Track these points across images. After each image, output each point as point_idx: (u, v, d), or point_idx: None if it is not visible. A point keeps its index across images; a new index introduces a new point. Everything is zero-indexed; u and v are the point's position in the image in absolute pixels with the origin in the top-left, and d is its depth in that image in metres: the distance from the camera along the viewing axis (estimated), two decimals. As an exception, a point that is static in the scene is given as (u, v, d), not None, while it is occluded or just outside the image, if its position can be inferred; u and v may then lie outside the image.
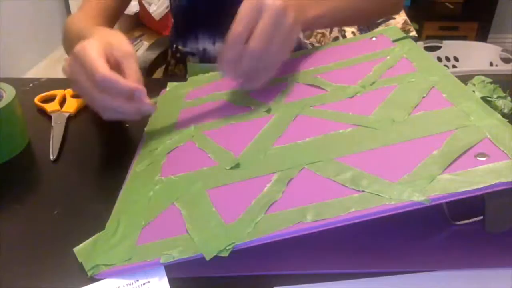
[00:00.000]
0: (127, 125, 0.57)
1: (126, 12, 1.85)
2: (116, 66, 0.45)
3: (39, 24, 1.59)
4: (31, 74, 1.42)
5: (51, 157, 0.51)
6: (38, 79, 0.71)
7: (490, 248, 0.35)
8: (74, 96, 0.64)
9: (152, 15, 1.80)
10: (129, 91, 0.44)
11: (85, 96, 0.47)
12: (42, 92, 0.64)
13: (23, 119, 0.54)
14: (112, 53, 0.45)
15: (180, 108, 0.56)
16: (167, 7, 1.81)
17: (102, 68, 0.43)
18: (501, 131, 0.36)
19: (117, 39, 0.47)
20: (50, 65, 1.49)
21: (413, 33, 0.94)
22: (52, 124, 0.57)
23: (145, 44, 1.65)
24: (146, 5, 1.81)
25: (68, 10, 1.71)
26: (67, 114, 0.59)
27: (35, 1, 1.56)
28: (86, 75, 0.44)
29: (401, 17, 1.02)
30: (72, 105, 0.61)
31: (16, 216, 0.42)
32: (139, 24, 2.03)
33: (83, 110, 0.62)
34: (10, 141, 0.51)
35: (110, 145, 0.56)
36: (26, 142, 0.54)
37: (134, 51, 0.47)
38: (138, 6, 1.85)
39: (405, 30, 0.97)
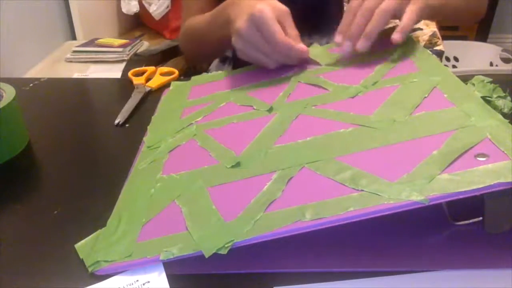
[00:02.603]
0: (127, 125, 0.57)
1: (126, 12, 1.86)
2: (279, 23, 0.55)
3: (39, 24, 1.59)
4: (31, 74, 1.42)
5: (120, 122, 0.57)
6: (38, 79, 0.71)
7: (490, 249, 0.35)
8: (163, 74, 0.71)
9: (152, 15, 1.80)
10: (299, 55, 0.56)
11: (257, 52, 0.57)
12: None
13: (23, 119, 0.54)
14: (276, 15, 0.55)
15: (183, 107, 0.56)
16: (167, 7, 1.81)
17: (283, 37, 0.54)
18: (501, 131, 0.36)
19: (272, 1, 0.56)
20: (50, 65, 1.49)
21: (440, 47, 0.91)
22: (132, 94, 0.64)
23: (145, 44, 1.65)
24: (146, 5, 1.81)
25: (68, 10, 1.71)
26: (148, 89, 0.67)
27: (35, 1, 1.56)
28: (265, 39, 0.54)
29: (429, 29, 0.98)
30: (156, 81, 0.69)
31: (16, 216, 0.42)
32: (139, 24, 2.03)
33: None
34: (10, 141, 0.51)
35: (110, 145, 0.56)
36: (26, 142, 0.54)
37: (288, 9, 0.57)
38: (138, 6, 1.85)
39: (431, 42, 0.94)
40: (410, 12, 0.53)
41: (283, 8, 0.57)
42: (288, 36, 0.56)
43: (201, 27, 0.75)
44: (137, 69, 0.73)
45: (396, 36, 0.53)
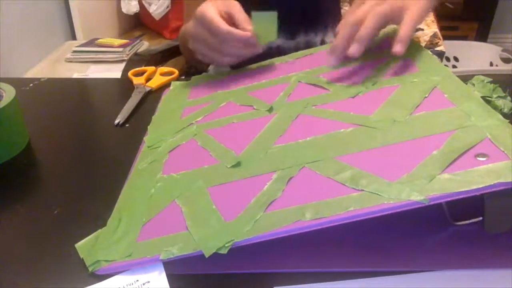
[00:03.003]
0: (127, 125, 0.57)
1: (126, 12, 1.86)
2: (227, 18, 0.57)
3: (39, 24, 1.59)
4: (31, 74, 1.42)
5: (120, 122, 0.57)
6: (38, 79, 0.71)
7: (490, 249, 0.35)
8: (163, 74, 0.71)
9: (152, 15, 1.80)
10: (245, 39, 0.56)
11: (209, 50, 0.58)
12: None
13: (23, 119, 0.54)
14: (221, 9, 0.57)
15: (183, 106, 0.56)
16: (167, 7, 1.80)
17: (223, 24, 0.55)
18: (501, 131, 0.36)
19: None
20: (50, 65, 1.50)
21: (441, 48, 0.90)
22: (132, 94, 0.64)
23: (145, 44, 1.65)
24: (146, 5, 1.81)
25: (68, 10, 1.71)
26: (148, 89, 0.67)
27: (35, 1, 1.56)
28: (210, 32, 0.56)
29: (430, 29, 0.97)
30: (156, 81, 0.69)
31: (16, 216, 0.42)
32: (139, 24, 2.03)
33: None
34: (10, 141, 0.51)
35: (110, 145, 0.56)
36: (26, 142, 0.54)
37: (237, 3, 0.58)
38: (138, 6, 1.85)
39: (432, 43, 0.93)
40: (409, 20, 0.50)
41: (231, 2, 0.58)
42: (237, 19, 0.57)
43: (183, 36, 0.79)
44: (137, 69, 0.73)
45: (396, 49, 0.49)
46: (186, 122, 0.52)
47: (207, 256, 0.33)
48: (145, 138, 0.51)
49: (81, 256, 0.36)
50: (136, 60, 0.91)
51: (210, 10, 0.56)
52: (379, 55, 0.55)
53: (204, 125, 0.50)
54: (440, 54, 0.91)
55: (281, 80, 0.56)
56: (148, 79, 0.69)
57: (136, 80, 0.69)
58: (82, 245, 0.37)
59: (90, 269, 0.35)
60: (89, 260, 0.35)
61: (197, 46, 0.60)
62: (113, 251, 0.35)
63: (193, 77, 0.65)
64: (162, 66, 0.77)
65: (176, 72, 0.71)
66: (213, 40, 0.57)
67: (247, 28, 0.56)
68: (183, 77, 0.71)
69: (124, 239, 0.36)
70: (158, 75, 0.71)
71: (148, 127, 0.54)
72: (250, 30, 0.56)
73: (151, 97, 0.65)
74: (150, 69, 0.73)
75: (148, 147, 0.49)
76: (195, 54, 0.62)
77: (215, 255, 0.33)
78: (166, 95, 0.63)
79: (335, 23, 0.84)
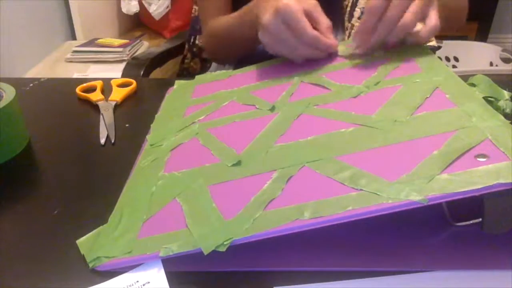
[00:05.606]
0: (127, 125, 0.57)
1: (126, 12, 1.85)
2: (307, 16, 0.54)
3: (39, 24, 1.59)
4: (31, 74, 1.42)
5: (111, 140, 0.54)
6: (38, 79, 0.71)
7: (490, 249, 0.35)
8: (119, 86, 0.67)
9: (152, 15, 1.80)
10: (327, 48, 0.56)
11: (282, 45, 0.56)
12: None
13: (23, 119, 0.54)
14: (303, 7, 0.54)
15: (186, 105, 0.56)
16: (167, 7, 1.80)
17: (310, 29, 0.54)
18: (502, 132, 0.36)
19: None
20: (50, 65, 1.50)
21: (433, 43, 0.92)
22: (101, 112, 0.60)
23: (145, 44, 1.65)
24: (146, 5, 1.81)
25: (68, 10, 1.71)
26: (113, 103, 0.62)
27: (35, 1, 1.56)
28: (292, 32, 0.54)
29: (421, 25, 0.99)
30: (118, 94, 0.65)
31: (16, 216, 0.42)
32: (139, 24, 2.03)
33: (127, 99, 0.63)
34: (10, 141, 0.51)
35: (111, 145, 0.56)
36: (26, 142, 0.54)
37: (316, 1, 0.57)
38: (138, 6, 1.85)
39: None
40: (434, 14, 0.53)
41: (312, 1, 0.56)
42: (318, 28, 0.56)
43: (229, 28, 0.74)
44: (84, 85, 0.67)
45: (424, 35, 0.54)
46: (189, 120, 0.52)
47: (206, 253, 0.33)
48: (148, 136, 0.51)
49: (82, 252, 0.36)
50: (135, 64, 0.91)
51: (296, 8, 0.53)
52: (382, 55, 0.55)
53: (206, 124, 0.50)
54: (433, 49, 0.92)
55: (283, 80, 0.56)
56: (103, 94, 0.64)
57: (95, 97, 0.63)
58: (83, 241, 0.37)
59: (90, 265, 0.35)
60: (90, 257, 0.35)
61: (269, 40, 0.57)
62: (113, 248, 0.36)
63: (196, 76, 0.65)
64: (160, 67, 0.76)
65: (134, 82, 0.67)
66: (292, 39, 0.55)
67: (330, 36, 0.57)
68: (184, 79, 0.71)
69: (124, 236, 0.36)
70: (115, 88, 0.66)
71: (151, 125, 0.54)
72: (332, 38, 0.57)
73: (151, 97, 0.64)
74: (99, 83, 0.67)
75: (151, 145, 0.49)
76: (264, 45, 0.58)
77: (215, 253, 0.33)
78: (169, 94, 0.63)
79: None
